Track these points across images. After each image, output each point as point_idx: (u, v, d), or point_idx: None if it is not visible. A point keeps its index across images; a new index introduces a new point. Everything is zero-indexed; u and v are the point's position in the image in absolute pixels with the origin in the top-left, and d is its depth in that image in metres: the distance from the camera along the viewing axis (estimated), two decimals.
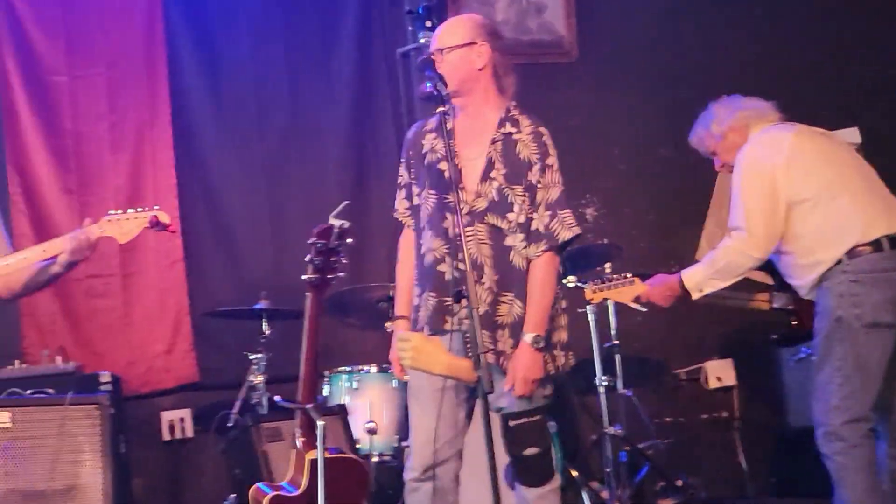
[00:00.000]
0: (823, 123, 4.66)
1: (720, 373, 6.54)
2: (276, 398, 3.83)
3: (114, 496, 4.82)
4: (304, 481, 3.54)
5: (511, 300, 3.85)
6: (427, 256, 3.90)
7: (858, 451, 4.12)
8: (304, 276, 3.57)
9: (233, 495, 5.23)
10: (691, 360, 6.55)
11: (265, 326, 5.56)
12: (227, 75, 6.51)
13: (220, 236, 6.42)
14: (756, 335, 5.96)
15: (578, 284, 5.37)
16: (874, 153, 5.04)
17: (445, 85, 3.69)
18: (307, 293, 3.63)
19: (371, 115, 6.62)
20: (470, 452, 4.02)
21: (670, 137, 6.68)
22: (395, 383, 5.39)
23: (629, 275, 4.77)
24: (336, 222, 3.54)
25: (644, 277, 5.94)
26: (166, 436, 6.15)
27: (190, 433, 6.17)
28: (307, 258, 3.56)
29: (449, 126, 3.79)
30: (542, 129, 3.95)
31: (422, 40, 6.26)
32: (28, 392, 5.17)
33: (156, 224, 4.14)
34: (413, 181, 4.01)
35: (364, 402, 5.45)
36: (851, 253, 4.18)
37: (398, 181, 4.10)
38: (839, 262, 4.20)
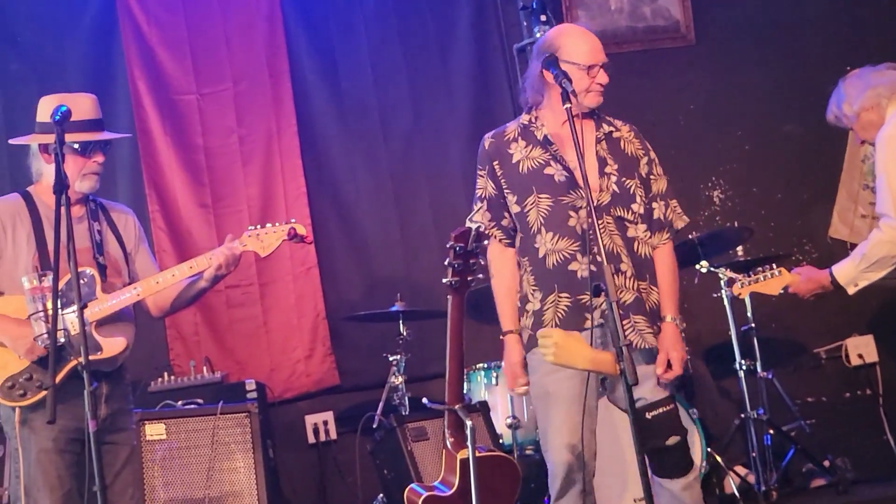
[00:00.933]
0: None
1: (861, 349, 6.39)
2: (424, 400, 3.91)
3: (268, 501, 4.97)
4: (457, 481, 3.58)
5: (646, 288, 3.91)
6: (550, 258, 3.91)
7: None
8: (444, 280, 3.59)
9: (381, 495, 5.34)
10: (831, 338, 6.42)
11: (402, 328, 5.63)
12: (348, 82, 6.63)
13: (351, 241, 6.53)
14: None
15: (711, 269, 5.36)
16: None
17: (570, 82, 3.73)
18: (448, 296, 3.66)
19: (492, 113, 6.64)
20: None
21: (794, 113, 6.61)
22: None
23: (774, 265, 4.72)
24: (473, 225, 3.57)
25: (779, 259, 5.91)
26: (311, 439, 6.29)
27: (333, 435, 6.30)
28: (446, 262, 3.58)
29: (539, 135, 3.96)
30: (636, 128, 4.08)
31: (537, 35, 6.29)
32: (179, 403, 5.35)
33: (294, 236, 4.26)
34: (506, 191, 4.02)
35: (504, 397, 5.50)
36: None
37: (477, 194, 4.13)
38: None
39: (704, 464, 4.91)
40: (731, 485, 5.24)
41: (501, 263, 4.02)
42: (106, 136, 4.08)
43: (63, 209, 3.54)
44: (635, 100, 6.47)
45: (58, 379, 3.76)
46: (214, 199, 6.31)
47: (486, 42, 6.72)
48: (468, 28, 6.71)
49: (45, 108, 3.98)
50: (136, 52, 6.31)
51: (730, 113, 6.69)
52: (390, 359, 5.62)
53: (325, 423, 6.31)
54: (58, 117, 3.65)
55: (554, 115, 3.96)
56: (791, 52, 6.73)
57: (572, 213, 3.87)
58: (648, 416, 3.81)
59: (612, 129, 4.00)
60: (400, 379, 5.54)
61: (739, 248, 5.61)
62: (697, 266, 5.34)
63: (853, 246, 5.99)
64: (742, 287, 4.79)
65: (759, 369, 5.52)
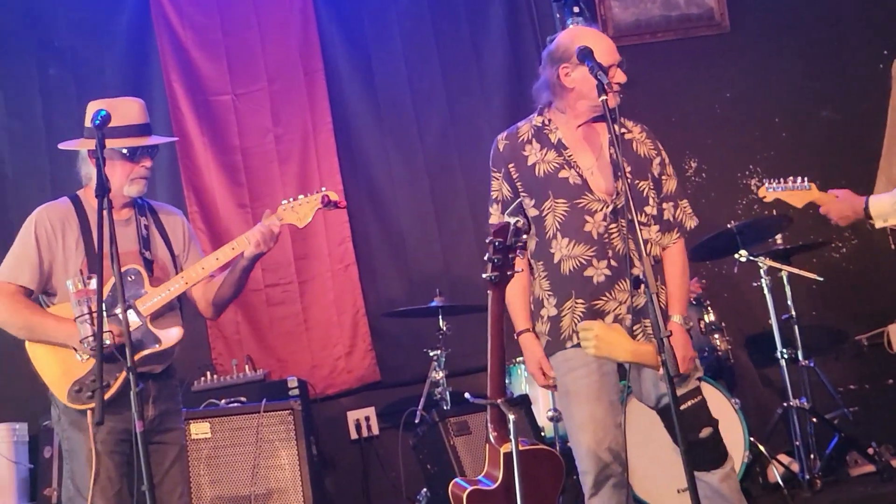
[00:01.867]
0: None
1: None
2: (467, 395, 3.89)
3: (313, 497, 5.00)
4: (501, 474, 3.58)
5: (660, 289, 3.94)
6: (566, 264, 3.93)
7: None
8: (484, 275, 3.59)
9: (424, 489, 5.37)
10: (872, 325, 6.34)
11: (442, 323, 5.65)
12: (382, 79, 6.66)
13: (388, 237, 6.56)
14: None
15: (750, 258, 5.34)
16: None
17: (606, 73, 3.73)
18: (488, 291, 3.66)
19: (527, 105, 6.57)
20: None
21: (831, 98, 6.57)
22: None
23: (806, 179, 4.68)
24: (512, 219, 3.57)
25: (819, 247, 5.86)
26: (353, 434, 6.33)
27: (376, 430, 6.34)
28: (486, 257, 3.58)
29: (553, 138, 3.98)
30: (647, 128, 4.09)
31: (570, 25, 6.28)
32: (223, 402, 5.40)
33: (328, 203, 4.24)
34: (523, 194, 4.03)
35: (544, 390, 5.47)
36: None
37: (492, 195, 4.13)
38: None
39: (748, 453, 4.90)
40: (775, 473, 5.21)
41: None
42: (154, 140, 4.11)
43: (105, 212, 3.57)
44: (671, 89, 6.47)
45: (119, 378, 3.83)
46: (252, 199, 6.35)
47: (519, 35, 6.72)
48: (501, 21, 6.71)
49: (93, 113, 3.98)
50: (172, 54, 6.37)
51: (766, 100, 6.65)
52: (430, 354, 5.63)
53: (367, 418, 6.35)
54: (98, 122, 3.65)
55: (567, 118, 3.98)
56: (826, 37, 6.69)
57: (588, 218, 3.89)
58: (680, 408, 3.82)
59: (623, 130, 4.00)
60: (441, 374, 5.56)
61: (779, 237, 5.58)
62: (736, 255, 5.33)
63: (893, 231, 5.96)
64: (768, 191, 4.77)
65: (800, 358, 5.48)
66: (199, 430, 5.02)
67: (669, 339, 3.66)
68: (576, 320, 3.91)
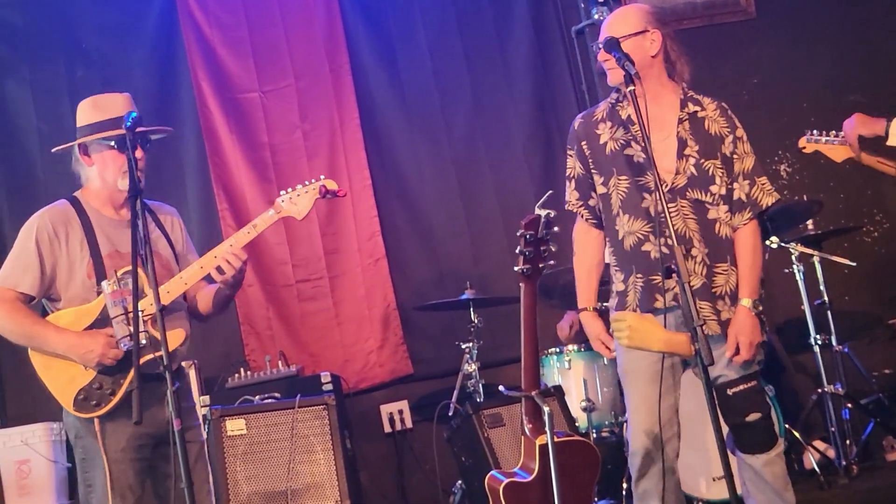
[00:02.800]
0: None
1: None
2: (501, 388, 3.91)
3: (349, 491, 5.03)
4: (537, 466, 3.59)
5: (727, 270, 3.91)
6: (627, 239, 3.95)
7: None
8: (515, 268, 3.60)
9: (459, 482, 5.38)
10: None
11: (473, 315, 5.65)
12: (408, 73, 6.67)
13: (418, 231, 6.57)
14: None
15: (782, 244, 5.32)
16: None
17: (633, 63, 3.73)
18: (520, 283, 3.67)
19: (553, 97, 6.65)
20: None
21: (858, 82, 6.52)
22: (605, 360, 5.42)
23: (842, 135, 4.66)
24: (542, 212, 3.57)
25: (851, 231, 5.83)
26: (387, 428, 6.36)
27: (409, 424, 6.37)
28: (517, 249, 3.59)
29: (624, 114, 3.98)
30: (725, 105, 4.04)
31: (595, 16, 6.27)
32: (257, 398, 5.43)
33: (326, 193, 4.16)
34: (593, 171, 4.05)
35: (577, 380, 5.51)
36: None
37: (567, 173, 4.16)
38: None
39: (783, 440, 4.86)
40: (811, 460, 5.20)
41: (586, 242, 4.09)
42: (140, 129, 3.90)
43: (139, 213, 3.56)
44: (697, 77, 6.39)
45: (125, 384, 3.80)
46: None
47: (543, 26, 6.71)
48: (526, 13, 6.70)
49: (84, 113, 3.97)
50: (199, 53, 6.40)
51: (793, 85, 6.62)
52: (462, 346, 5.64)
53: (401, 412, 6.38)
54: (129, 123, 3.63)
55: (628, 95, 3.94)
56: (852, 20, 6.64)
57: (646, 196, 3.90)
58: (729, 392, 3.84)
59: (697, 108, 3.98)
60: (473, 366, 5.57)
61: (810, 222, 5.55)
62: (767, 242, 5.30)
63: None
64: (808, 142, 4.76)
65: (834, 343, 5.45)
66: (235, 426, 5.04)
67: (732, 324, 3.68)
68: (637, 296, 3.93)
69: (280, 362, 5.92)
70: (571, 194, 4.12)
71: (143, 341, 3.67)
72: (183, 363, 5.45)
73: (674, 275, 3.65)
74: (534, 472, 3.61)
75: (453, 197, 6.57)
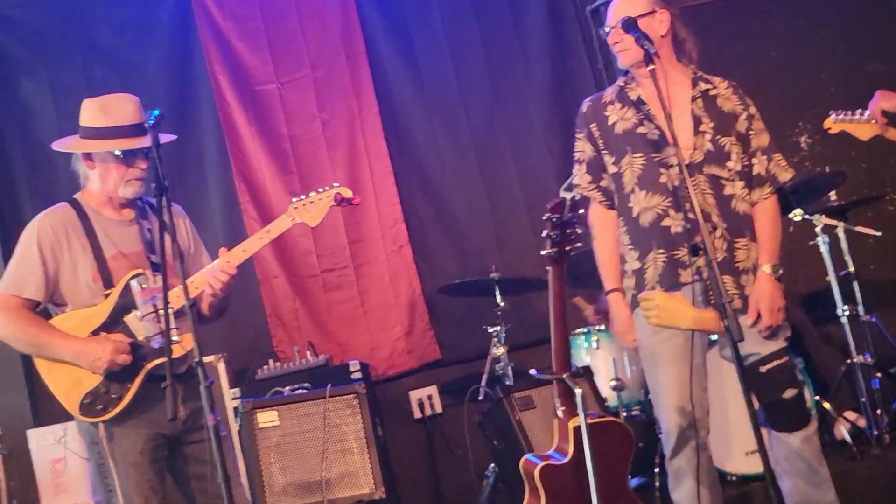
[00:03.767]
0: None
1: None
2: (532, 371, 3.91)
3: (382, 478, 5.05)
4: (571, 448, 3.62)
5: (747, 245, 3.91)
6: (644, 216, 3.94)
7: None
8: (542, 252, 3.61)
9: (492, 465, 5.40)
10: None
11: (499, 298, 5.66)
12: (425, 58, 6.64)
13: (440, 217, 6.57)
14: None
15: (805, 217, 5.30)
16: None
17: (651, 42, 3.73)
18: (547, 267, 3.68)
19: (570, 76, 6.62)
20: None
21: (878, 51, 6.47)
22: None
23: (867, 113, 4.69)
24: (567, 195, 3.59)
25: (875, 201, 5.79)
26: (417, 414, 6.37)
27: (439, 409, 6.38)
28: (543, 233, 3.60)
29: (633, 95, 3.99)
30: (735, 83, 4.07)
31: None
32: (286, 389, 5.45)
33: (341, 201, 4.13)
34: (604, 152, 4.06)
35: (605, 360, 5.51)
36: None
37: (575, 157, 4.15)
38: None
39: (814, 412, 4.87)
40: (842, 431, 5.18)
41: (603, 225, 4.07)
42: (145, 142, 3.89)
43: (164, 210, 3.53)
44: (716, 51, 6.38)
45: (132, 388, 3.78)
46: (303, 186, 6.35)
47: (558, 6, 6.68)
48: None
49: (90, 114, 3.93)
50: (215, 46, 6.41)
51: (812, 56, 6.57)
52: (490, 330, 5.64)
53: (430, 397, 6.39)
54: (152, 122, 3.55)
55: (641, 75, 3.98)
56: None
57: (663, 171, 3.91)
58: (762, 369, 3.83)
59: (708, 86, 4.00)
60: (501, 349, 5.57)
61: (832, 193, 5.52)
62: (791, 215, 5.28)
63: None
64: (834, 122, 4.74)
65: (861, 313, 5.40)
66: (268, 418, 5.08)
67: (753, 293, 3.68)
68: (658, 272, 3.92)
69: (308, 352, 5.95)
70: (583, 178, 4.12)
71: (176, 338, 3.66)
72: (212, 357, 5.53)
73: (700, 252, 3.67)
74: (568, 454, 3.63)
75: (475, 182, 6.55)
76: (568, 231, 3.62)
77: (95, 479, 4.02)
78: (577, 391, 3.58)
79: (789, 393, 3.84)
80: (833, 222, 5.34)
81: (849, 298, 5.39)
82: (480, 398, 5.48)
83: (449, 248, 6.53)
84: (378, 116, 6.48)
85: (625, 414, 5.32)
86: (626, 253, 4.04)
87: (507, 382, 5.40)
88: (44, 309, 3.93)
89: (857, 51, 6.52)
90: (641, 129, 3.97)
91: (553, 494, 3.62)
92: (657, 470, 4.94)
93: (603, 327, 5.57)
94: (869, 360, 5.31)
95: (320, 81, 6.49)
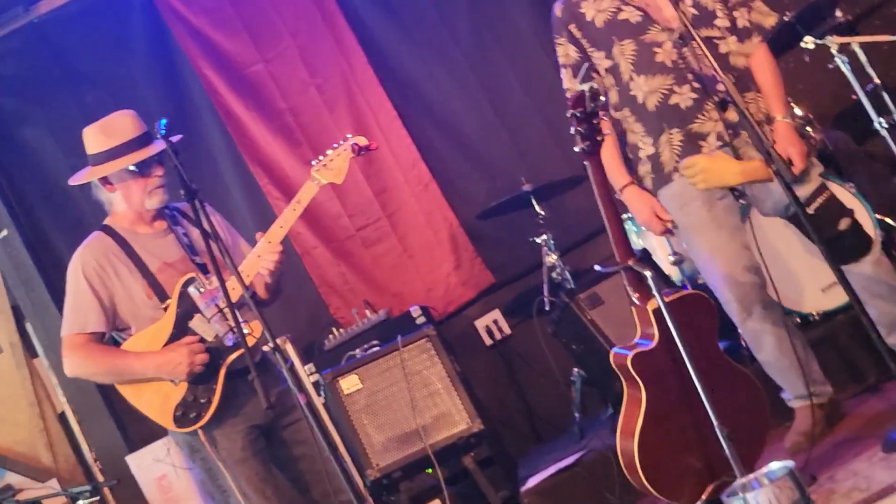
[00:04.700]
0: None
1: None
2: (597, 267, 3.93)
3: (476, 410, 5.10)
4: (656, 331, 3.62)
5: (755, 98, 3.98)
6: (650, 99, 3.97)
7: None
8: (576, 148, 3.59)
9: (576, 369, 5.43)
10: None
11: (538, 207, 5.64)
12: None
13: (456, 145, 6.52)
14: None
15: (817, 41, 5.22)
16: None
17: None
18: (584, 162, 3.65)
19: None
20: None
21: None
22: None
23: None
24: (584, 86, 3.55)
25: (877, 8, 5.69)
26: (487, 341, 6.40)
27: (507, 330, 6.39)
28: (572, 130, 3.57)
29: None
30: None
31: None
32: (358, 351, 5.50)
33: (360, 150, 4.17)
34: (590, 50, 4.06)
35: (658, 238, 5.47)
36: None
37: (560, 61, 4.16)
38: None
39: (879, 231, 4.85)
40: None
41: None
42: (155, 149, 3.94)
43: (201, 214, 3.54)
44: None
45: (217, 388, 3.86)
46: (315, 153, 6.15)
47: None
48: None
49: (94, 140, 3.97)
50: (193, 43, 6.35)
51: None
52: (538, 241, 5.65)
53: (496, 321, 6.40)
54: (164, 131, 3.56)
55: None
56: None
57: (657, 49, 3.94)
58: (810, 210, 3.84)
59: None
60: (554, 256, 5.58)
61: (837, 11, 5.43)
62: (802, 43, 5.19)
63: None
64: None
65: None
66: (350, 384, 5.11)
67: (776, 142, 3.68)
68: (675, 151, 3.97)
69: (367, 311, 6.00)
70: (571, 81, 4.14)
71: (246, 330, 3.69)
72: (278, 340, 5.56)
73: (729, 104, 3.68)
74: (655, 337, 3.64)
75: (479, 101, 6.49)
76: (595, 121, 3.60)
77: (206, 484, 4.10)
78: (647, 273, 3.57)
79: (844, 223, 3.88)
80: (846, 39, 5.23)
81: (882, 110, 5.31)
82: (547, 309, 5.49)
83: (474, 173, 6.50)
84: (369, 66, 6.42)
85: (693, 285, 5.31)
86: (638, 141, 4.07)
87: (569, 286, 5.41)
88: (111, 338, 3.99)
89: None
90: (623, 15, 3.98)
91: (650, 380, 3.63)
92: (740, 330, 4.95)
93: None
94: None
95: (304, 48, 6.42)
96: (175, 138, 3.75)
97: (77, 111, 6.15)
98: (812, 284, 4.81)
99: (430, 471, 5.03)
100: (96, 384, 5.43)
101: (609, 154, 4.03)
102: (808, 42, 5.18)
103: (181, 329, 3.89)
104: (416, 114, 6.50)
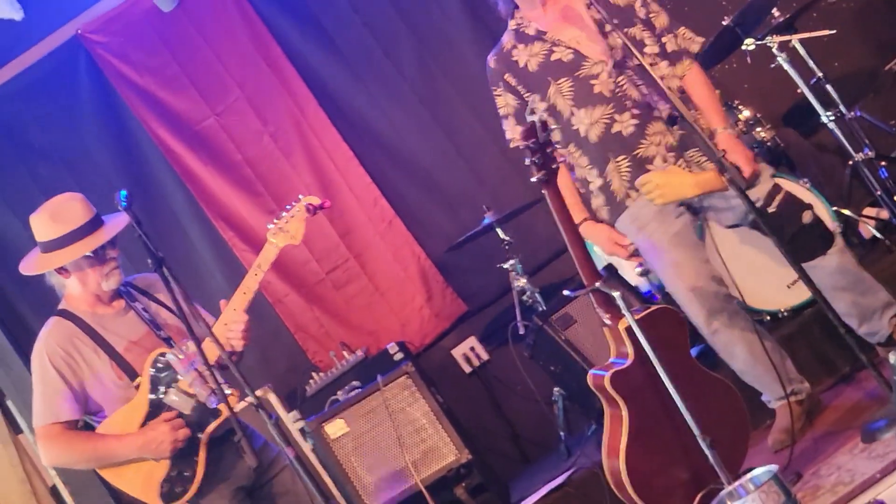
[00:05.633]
0: None
1: None
2: (566, 292, 3.95)
3: (462, 440, 5.14)
4: (630, 349, 3.67)
5: (692, 115, 4.01)
6: (592, 131, 4.08)
7: None
8: (532, 179, 3.63)
9: (556, 388, 5.47)
10: (891, 52, 6.23)
11: (502, 234, 5.70)
12: (340, 34, 6.55)
13: (415, 179, 6.56)
14: None
15: (758, 42, 5.29)
16: None
17: None
18: (542, 191, 3.69)
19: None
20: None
21: None
22: None
23: None
24: (534, 118, 3.62)
25: (812, 3, 5.80)
26: (466, 369, 6.44)
27: (485, 356, 6.44)
28: (526, 161, 3.62)
29: (531, 31, 4.13)
30: None
31: None
32: (341, 394, 5.52)
33: (314, 209, 4.14)
34: (527, 95, 4.15)
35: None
36: None
37: (501, 113, 4.27)
38: None
39: (836, 224, 4.93)
40: (869, 229, 5.26)
41: None
42: (106, 235, 3.91)
43: (171, 279, 3.54)
44: None
45: (201, 456, 3.85)
46: (276, 201, 6.34)
47: None
48: None
49: (43, 227, 3.93)
50: (143, 105, 6.36)
51: None
52: (505, 267, 5.70)
53: (472, 348, 6.44)
54: (125, 203, 3.53)
55: (532, 9, 4.13)
56: None
57: (593, 82, 4.05)
58: (770, 210, 3.92)
59: None
60: (523, 280, 5.63)
61: (774, 10, 5.51)
62: (744, 46, 5.26)
63: None
64: None
65: (844, 112, 5.35)
66: (336, 428, 5.15)
67: (724, 154, 3.75)
68: (624, 178, 4.08)
69: (345, 352, 6.00)
70: (514, 130, 4.24)
71: (229, 391, 3.70)
72: (259, 392, 5.58)
73: (678, 119, 3.77)
74: (630, 355, 3.68)
75: (434, 133, 6.54)
76: (548, 150, 3.66)
77: None
78: (615, 294, 3.62)
79: (807, 216, 3.95)
80: (786, 37, 5.32)
81: (827, 103, 5.40)
82: (522, 333, 5.54)
83: (436, 205, 6.54)
84: (320, 108, 6.46)
85: (660, 294, 5.38)
86: (586, 175, 4.18)
87: (541, 308, 5.46)
88: (84, 423, 3.95)
89: None
90: (555, 56, 4.10)
91: (630, 397, 3.67)
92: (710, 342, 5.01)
93: None
94: (869, 153, 5.26)
95: (253, 98, 6.45)
96: (118, 218, 3.81)
97: (31, 184, 6.16)
98: (778, 282, 4.87)
99: None
100: None
101: (565, 189, 4.04)
102: (750, 44, 5.26)
103: (157, 405, 3.88)
104: (372, 152, 6.53)
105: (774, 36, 5.28)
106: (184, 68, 6.43)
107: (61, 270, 3.94)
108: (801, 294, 4.80)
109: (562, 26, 4.09)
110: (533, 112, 3.74)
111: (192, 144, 6.41)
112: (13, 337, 6.08)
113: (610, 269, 5.32)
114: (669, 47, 4.10)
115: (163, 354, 3.91)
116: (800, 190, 4.76)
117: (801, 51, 5.38)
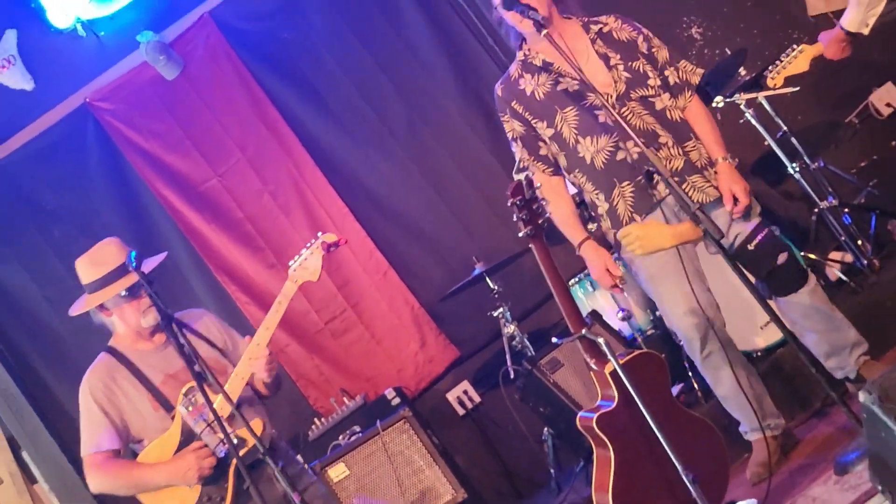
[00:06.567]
0: None
1: (886, 98, 6.54)
2: (554, 339, 4.17)
3: (459, 481, 5.38)
4: (616, 392, 3.89)
5: (695, 145, 4.30)
6: (598, 159, 4.26)
7: None
8: (520, 234, 3.86)
9: (545, 429, 5.73)
10: (854, 102, 6.57)
11: (491, 283, 5.98)
12: (335, 100, 6.89)
13: (408, 232, 6.87)
14: None
15: (727, 100, 5.60)
16: None
17: (536, 10, 4.10)
18: (530, 245, 3.92)
19: (468, 61, 6.93)
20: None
21: None
22: (622, 268, 5.73)
23: (795, 46, 5.05)
24: (520, 176, 3.89)
25: (778, 61, 6.12)
26: (460, 411, 6.70)
27: (477, 399, 6.70)
28: (514, 218, 3.85)
29: (538, 62, 4.31)
30: (619, 14, 4.44)
31: None
32: (342, 439, 5.78)
33: (329, 247, 4.47)
34: (534, 121, 4.35)
35: (605, 297, 5.85)
36: None
37: (509, 136, 4.46)
38: None
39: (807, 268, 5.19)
40: (835, 272, 5.51)
41: (552, 190, 4.32)
42: (136, 275, 4.07)
43: (178, 334, 3.84)
44: None
45: (228, 486, 4.08)
46: (277, 256, 6.65)
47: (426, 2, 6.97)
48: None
49: (85, 271, 4.22)
50: (149, 169, 6.66)
51: None
52: (495, 314, 5.94)
53: (465, 392, 6.70)
54: (134, 265, 3.93)
55: (539, 42, 4.25)
56: None
57: (598, 112, 4.22)
58: (751, 247, 4.15)
59: (600, 26, 4.33)
60: (512, 326, 5.87)
61: (742, 70, 5.82)
62: (714, 104, 5.52)
63: (836, 13, 6.22)
64: (774, 77, 5.07)
65: (808, 162, 5.63)
66: (338, 472, 5.39)
67: (721, 181, 4.06)
68: (629, 203, 4.24)
69: (345, 398, 6.25)
70: (521, 152, 4.41)
71: (235, 440, 3.94)
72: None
73: (655, 175, 4.00)
74: (615, 398, 3.90)
75: (424, 189, 6.85)
76: (535, 207, 3.87)
77: None
78: (600, 340, 3.88)
79: (782, 257, 4.18)
80: (752, 95, 5.60)
81: (793, 155, 5.66)
82: (512, 377, 5.77)
83: (427, 256, 6.84)
84: (316, 167, 6.76)
85: (642, 337, 5.64)
86: (593, 199, 4.35)
87: (529, 354, 5.70)
88: (129, 451, 4.24)
89: None
90: (561, 86, 4.28)
91: (616, 437, 3.89)
92: (690, 373, 5.27)
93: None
94: (833, 201, 5.56)
95: (253, 159, 6.76)
96: (158, 259, 4.13)
97: (46, 246, 6.44)
98: (752, 323, 5.15)
99: None
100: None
101: (564, 213, 4.34)
102: (719, 101, 5.56)
103: (189, 435, 4.14)
104: (365, 207, 6.83)
105: (742, 94, 5.59)
106: (187, 132, 6.74)
107: (103, 309, 4.26)
108: (774, 334, 5.07)
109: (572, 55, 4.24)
110: (520, 171, 4.00)
111: (196, 204, 6.70)
112: (28, 390, 6.30)
113: (594, 313, 5.58)
114: (672, 79, 4.32)
115: (187, 394, 4.17)
116: None
117: (767, 107, 5.68)
